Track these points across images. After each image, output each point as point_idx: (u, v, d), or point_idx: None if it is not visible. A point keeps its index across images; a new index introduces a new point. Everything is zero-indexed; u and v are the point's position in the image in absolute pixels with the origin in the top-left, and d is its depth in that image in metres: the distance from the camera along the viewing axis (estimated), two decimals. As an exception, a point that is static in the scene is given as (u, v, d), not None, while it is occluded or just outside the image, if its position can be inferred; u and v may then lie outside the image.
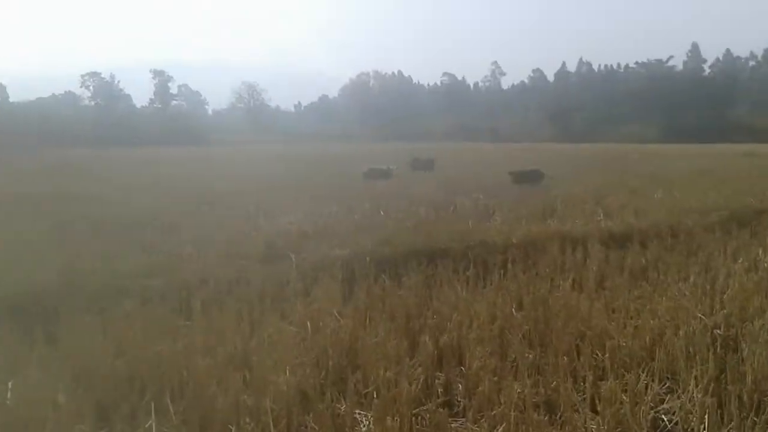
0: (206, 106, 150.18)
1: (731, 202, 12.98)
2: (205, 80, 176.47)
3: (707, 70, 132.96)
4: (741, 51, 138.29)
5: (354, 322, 5.66)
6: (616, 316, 5.98)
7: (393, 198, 16.35)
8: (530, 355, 4.98)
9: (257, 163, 36.78)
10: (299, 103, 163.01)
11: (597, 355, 4.96)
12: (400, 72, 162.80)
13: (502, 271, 7.83)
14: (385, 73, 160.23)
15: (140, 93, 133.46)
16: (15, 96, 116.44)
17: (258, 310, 6.17)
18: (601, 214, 11.99)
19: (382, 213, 13.62)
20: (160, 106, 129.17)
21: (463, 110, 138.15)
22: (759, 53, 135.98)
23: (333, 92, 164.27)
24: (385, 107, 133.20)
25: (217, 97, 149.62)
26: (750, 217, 11.45)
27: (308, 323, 5.65)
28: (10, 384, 4.32)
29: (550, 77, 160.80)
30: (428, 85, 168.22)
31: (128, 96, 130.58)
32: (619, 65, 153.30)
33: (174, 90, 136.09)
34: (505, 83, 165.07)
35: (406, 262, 7.89)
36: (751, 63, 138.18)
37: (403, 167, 25.77)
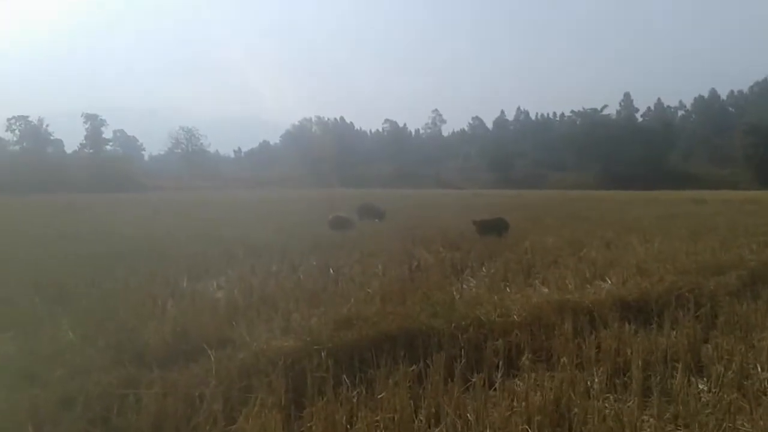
0: (142, 152, 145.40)
1: (732, 256, 11.33)
2: (142, 125, 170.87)
3: (640, 119, 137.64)
4: (670, 101, 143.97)
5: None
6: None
7: (343, 252, 14.13)
8: None
9: (190, 210, 33.84)
10: (239, 148, 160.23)
11: None
12: (342, 118, 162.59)
13: (505, 364, 5.75)
14: (327, 119, 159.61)
15: (73, 139, 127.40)
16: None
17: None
18: (595, 275, 10.07)
19: (332, 271, 11.40)
20: (92, 151, 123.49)
21: (405, 156, 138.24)
22: (688, 102, 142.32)
23: (274, 138, 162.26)
24: (328, 153, 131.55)
25: (155, 143, 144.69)
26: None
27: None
28: None
29: (489, 125, 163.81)
30: (370, 131, 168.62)
31: (59, 141, 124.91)
32: (554, 114, 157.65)
33: (108, 135, 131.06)
34: (446, 130, 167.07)
35: (376, 354, 5.65)
36: (680, 112, 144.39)
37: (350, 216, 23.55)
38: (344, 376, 5.25)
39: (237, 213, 30.98)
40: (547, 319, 6.81)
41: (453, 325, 6.35)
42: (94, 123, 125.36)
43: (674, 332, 6.69)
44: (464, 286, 9.47)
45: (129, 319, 7.17)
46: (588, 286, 8.93)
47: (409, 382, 5.16)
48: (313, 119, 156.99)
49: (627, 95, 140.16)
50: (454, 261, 12.47)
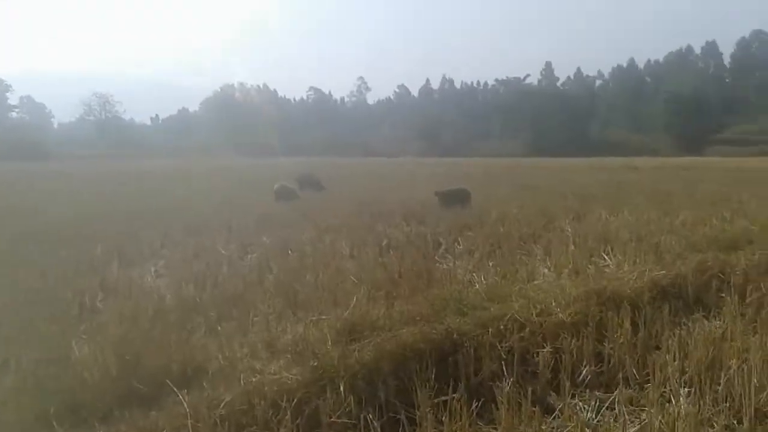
0: (52, 119, 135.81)
1: (735, 228, 10.44)
2: (52, 91, 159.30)
3: (561, 88, 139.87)
4: (589, 70, 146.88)
5: None
6: None
7: (296, 228, 12.49)
8: None
9: (109, 182, 30.87)
10: (156, 116, 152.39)
11: None
12: (265, 85, 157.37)
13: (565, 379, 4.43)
14: (250, 86, 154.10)
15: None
16: None
17: None
18: (592, 253, 8.94)
19: (291, 252, 9.79)
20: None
21: (332, 125, 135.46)
22: (606, 72, 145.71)
23: (193, 105, 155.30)
24: (250, 121, 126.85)
25: (66, 110, 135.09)
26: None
27: None
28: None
29: (415, 93, 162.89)
30: (294, 99, 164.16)
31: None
32: (479, 82, 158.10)
33: (14, 101, 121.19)
34: (371, 98, 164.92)
35: (404, 377, 4.19)
36: (599, 81, 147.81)
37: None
38: (369, 415, 3.77)
39: (163, 185, 28.32)
40: (589, 313, 5.50)
41: (489, 329, 4.94)
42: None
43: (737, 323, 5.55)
44: (448, 267, 8.12)
45: (51, 337, 5.34)
46: (599, 267, 7.77)
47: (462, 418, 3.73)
48: (236, 85, 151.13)
49: (548, 64, 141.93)
50: (424, 237, 11.12)
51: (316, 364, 4.13)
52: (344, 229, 11.99)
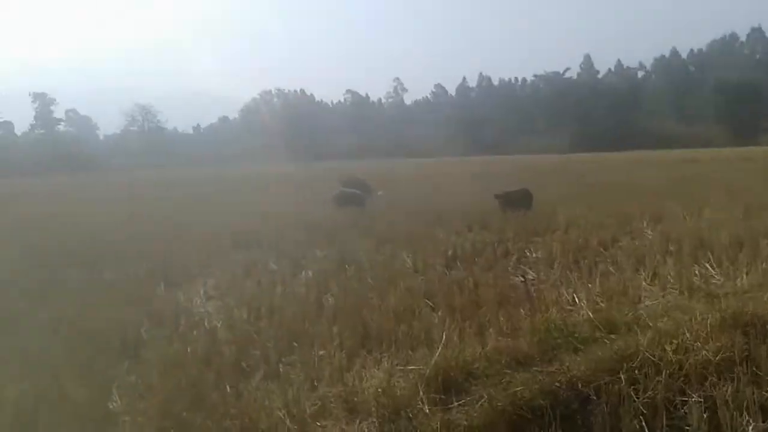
0: (97, 131, 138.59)
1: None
2: (94, 105, 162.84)
3: (602, 81, 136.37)
4: (630, 62, 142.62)
5: None
6: None
7: (349, 236, 11.64)
8: None
9: (153, 192, 30.55)
10: (198, 124, 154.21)
11: None
12: (302, 90, 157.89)
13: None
14: (288, 91, 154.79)
15: (22, 121, 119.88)
16: None
17: None
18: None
19: (347, 267, 8.92)
20: (42, 131, 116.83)
21: (370, 127, 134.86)
22: (647, 63, 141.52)
23: (233, 113, 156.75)
24: (289, 127, 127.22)
25: (109, 122, 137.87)
26: None
27: None
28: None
29: (452, 92, 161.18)
30: (332, 102, 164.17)
31: (9, 123, 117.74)
32: (516, 79, 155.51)
33: (60, 115, 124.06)
34: (408, 99, 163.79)
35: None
36: (641, 72, 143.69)
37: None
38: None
39: (208, 193, 27.83)
40: (736, 346, 4.44)
41: (619, 374, 3.94)
42: (43, 102, 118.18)
43: None
44: (527, 280, 7.11)
45: (89, 381, 4.53)
46: (707, 279, 6.67)
47: None
48: (273, 91, 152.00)
49: (587, 57, 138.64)
50: (492, 245, 10.12)
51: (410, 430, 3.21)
52: (402, 239, 11.08)
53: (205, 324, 6.49)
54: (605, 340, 4.60)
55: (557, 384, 3.78)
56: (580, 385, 3.80)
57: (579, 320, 5.09)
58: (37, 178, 55.00)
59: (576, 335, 4.65)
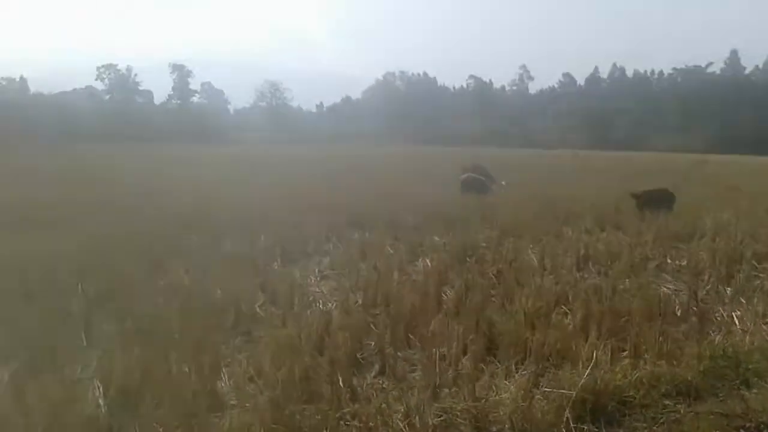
0: (228, 105, 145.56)
1: None
2: (227, 78, 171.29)
3: (750, 78, 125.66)
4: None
5: None
6: None
7: (470, 223, 11.09)
8: None
9: (280, 167, 31.28)
10: (321, 103, 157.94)
11: None
12: (425, 73, 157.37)
13: None
14: (411, 74, 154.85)
15: (161, 90, 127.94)
16: (37, 88, 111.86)
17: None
18: None
19: (468, 259, 8.40)
20: (179, 102, 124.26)
21: (492, 114, 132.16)
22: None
23: (355, 93, 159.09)
24: (411, 109, 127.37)
25: (240, 96, 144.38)
26: None
27: None
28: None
29: (581, 82, 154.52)
30: (454, 87, 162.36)
31: (149, 92, 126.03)
32: (653, 71, 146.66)
33: (195, 86, 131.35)
34: (533, 88, 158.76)
35: None
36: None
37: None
38: None
39: (330, 171, 27.95)
40: None
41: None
42: (181, 73, 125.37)
43: None
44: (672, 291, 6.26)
45: (202, 353, 4.33)
46: None
47: None
48: (397, 73, 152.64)
49: (734, 52, 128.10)
50: (628, 248, 9.20)
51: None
52: (527, 233, 10.37)
53: (320, 305, 6.24)
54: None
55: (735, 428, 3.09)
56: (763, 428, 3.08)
57: (749, 347, 4.30)
58: (172, 146, 58.26)
59: (747, 366, 3.89)
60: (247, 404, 3.79)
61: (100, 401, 3.79)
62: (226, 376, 4.26)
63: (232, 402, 3.90)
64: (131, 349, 4.62)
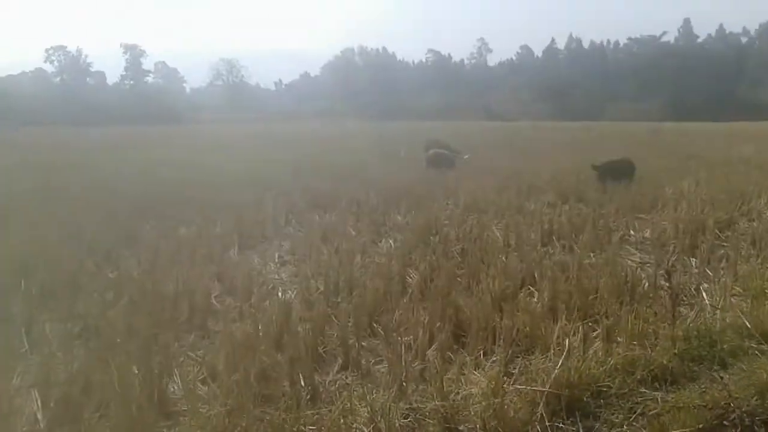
0: (184, 84, 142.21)
1: None
2: (182, 58, 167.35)
3: (702, 47, 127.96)
4: (732, 27, 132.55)
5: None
6: None
7: (433, 200, 10.90)
8: None
9: (236, 147, 30.50)
10: (280, 80, 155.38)
11: None
12: (384, 48, 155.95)
13: None
14: (370, 49, 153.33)
15: (115, 71, 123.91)
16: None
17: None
18: None
19: (432, 238, 8.22)
20: (132, 82, 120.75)
21: (451, 88, 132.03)
22: (752, 29, 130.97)
23: (314, 70, 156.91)
24: (371, 85, 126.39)
25: (196, 76, 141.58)
26: None
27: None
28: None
29: (538, 54, 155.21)
30: (413, 62, 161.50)
31: (101, 73, 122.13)
32: (609, 41, 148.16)
33: (149, 66, 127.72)
34: (492, 60, 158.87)
35: None
36: (744, 39, 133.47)
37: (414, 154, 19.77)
38: None
39: (289, 150, 27.29)
40: None
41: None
42: (134, 53, 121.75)
43: None
44: (636, 264, 6.17)
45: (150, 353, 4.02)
46: None
47: None
48: (356, 49, 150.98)
49: (687, 21, 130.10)
50: (591, 221, 9.13)
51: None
52: (491, 208, 10.24)
53: (279, 294, 5.98)
54: (757, 353, 3.74)
55: (713, 417, 2.94)
56: (746, 420, 2.95)
57: (721, 324, 4.20)
58: (126, 128, 56.60)
59: (722, 345, 3.78)
60: (201, 409, 3.52)
61: (38, 415, 3.48)
62: (178, 379, 3.98)
63: (183, 408, 3.63)
64: (75, 353, 4.29)
